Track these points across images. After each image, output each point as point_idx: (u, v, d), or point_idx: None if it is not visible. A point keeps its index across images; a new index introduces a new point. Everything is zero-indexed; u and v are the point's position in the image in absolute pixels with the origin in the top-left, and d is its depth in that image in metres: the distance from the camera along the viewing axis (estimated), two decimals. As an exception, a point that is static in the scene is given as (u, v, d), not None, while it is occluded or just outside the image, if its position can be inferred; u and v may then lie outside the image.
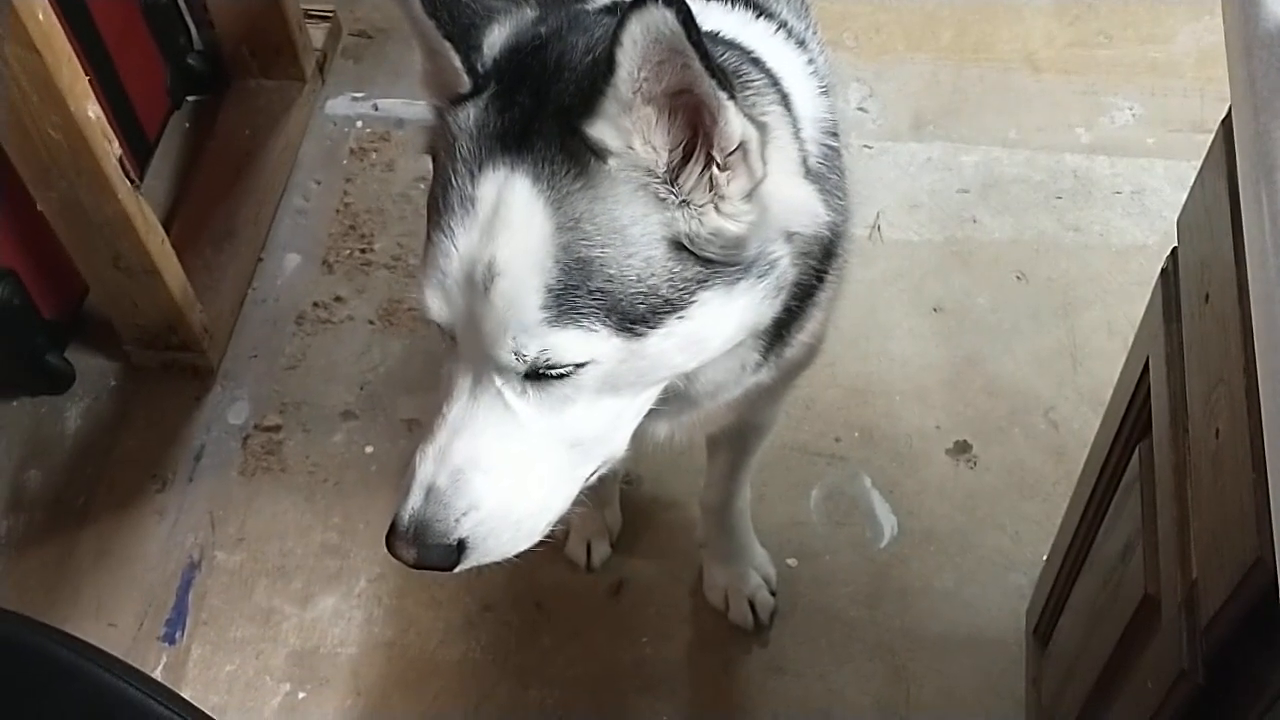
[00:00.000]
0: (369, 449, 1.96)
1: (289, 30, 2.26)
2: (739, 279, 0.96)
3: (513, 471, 0.98)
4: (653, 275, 0.92)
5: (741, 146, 0.91)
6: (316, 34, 2.35)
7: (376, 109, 2.33)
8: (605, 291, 0.91)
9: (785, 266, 1.00)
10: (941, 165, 2.23)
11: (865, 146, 2.24)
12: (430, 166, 1.04)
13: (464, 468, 0.97)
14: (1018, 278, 2.10)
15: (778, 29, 1.13)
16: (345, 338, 2.07)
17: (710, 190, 0.93)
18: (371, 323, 2.08)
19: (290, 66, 2.31)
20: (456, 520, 0.98)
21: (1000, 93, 2.32)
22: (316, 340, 2.07)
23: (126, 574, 1.85)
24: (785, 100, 1.03)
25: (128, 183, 1.72)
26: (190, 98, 2.33)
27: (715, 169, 0.92)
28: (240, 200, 2.17)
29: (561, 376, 0.95)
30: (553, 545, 1.80)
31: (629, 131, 0.90)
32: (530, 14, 1.01)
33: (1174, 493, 1.00)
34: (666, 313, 0.94)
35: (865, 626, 1.79)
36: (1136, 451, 1.15)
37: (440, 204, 0.94)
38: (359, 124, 2.32)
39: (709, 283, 0.95)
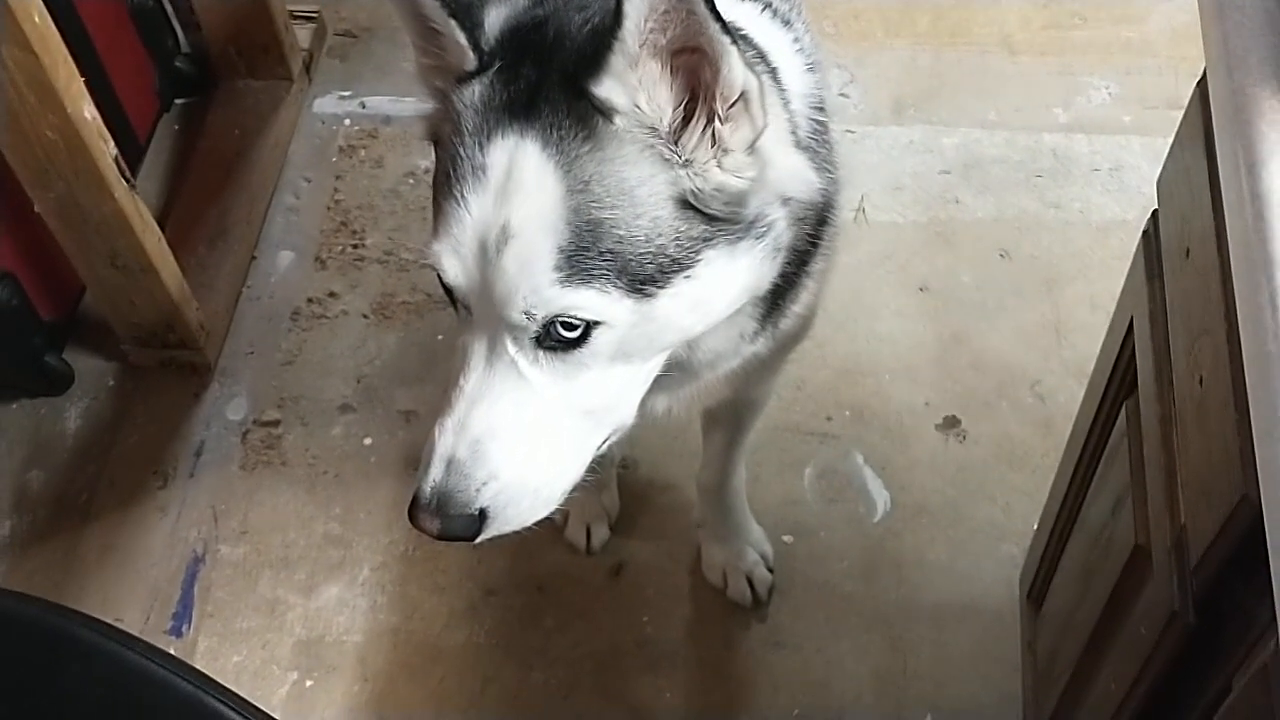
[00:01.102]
0: (367, 440, 1.99)
1: (275, 31, 2.28)
2: (740, 238, 1.00)
3: (529, 440, 1.01)
4: (660, 235, 0.95)
5: (743, 96, 0.95)
6: (302, 34, 2.38)
7: (364, 107, 2.35)
8: (615, 252, 0.94)
9: (782, 229, 1.03)
10: (923, 148, 2.27)
11: (848, 131, 2.27)
12: (431, 157, 1.07)
13: (482, 438, 1.00)
14: (1001, 256, 2.14)
15: (764, 9, 1.17)
16: (340, 332, 2.09)
17: (713, 146, 0.96)
18: (366, 317, 2.10)
19: (277, 67, 2.33)
20: (477, 490, 1.01)
21: (978, 76, 2.37)
22: (312, 335, 2.09)
23: (132, 569, 1.87)
24: (774, 74, 1.07)
25: (124, 182, 1.74)
26: (179, 99, 2.35)
27: (718, 123, 0.95)
28: (232, 199, 2.20)
29: (574, 344, 0.98)
30: (553, 529, 1.86)
31: (635, 88, 0.93)
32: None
33: (1161, 443, 1.03)
34: (674, 272, 0.97)
35: (861, 599, 1.83)
36: (1123, 410, 1.18)
37: (451, 176, 0.97)
38: (347, 122, 2.34)
39: (713, 241, 0.98)
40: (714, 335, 1.10)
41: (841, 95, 2.32)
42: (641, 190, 0.95)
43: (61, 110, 1.61)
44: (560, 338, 0.97)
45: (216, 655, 1.79)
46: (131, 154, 2.17)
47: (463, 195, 0.96)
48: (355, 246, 2.18)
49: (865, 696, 1.76)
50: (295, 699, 1.77)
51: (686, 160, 0.96)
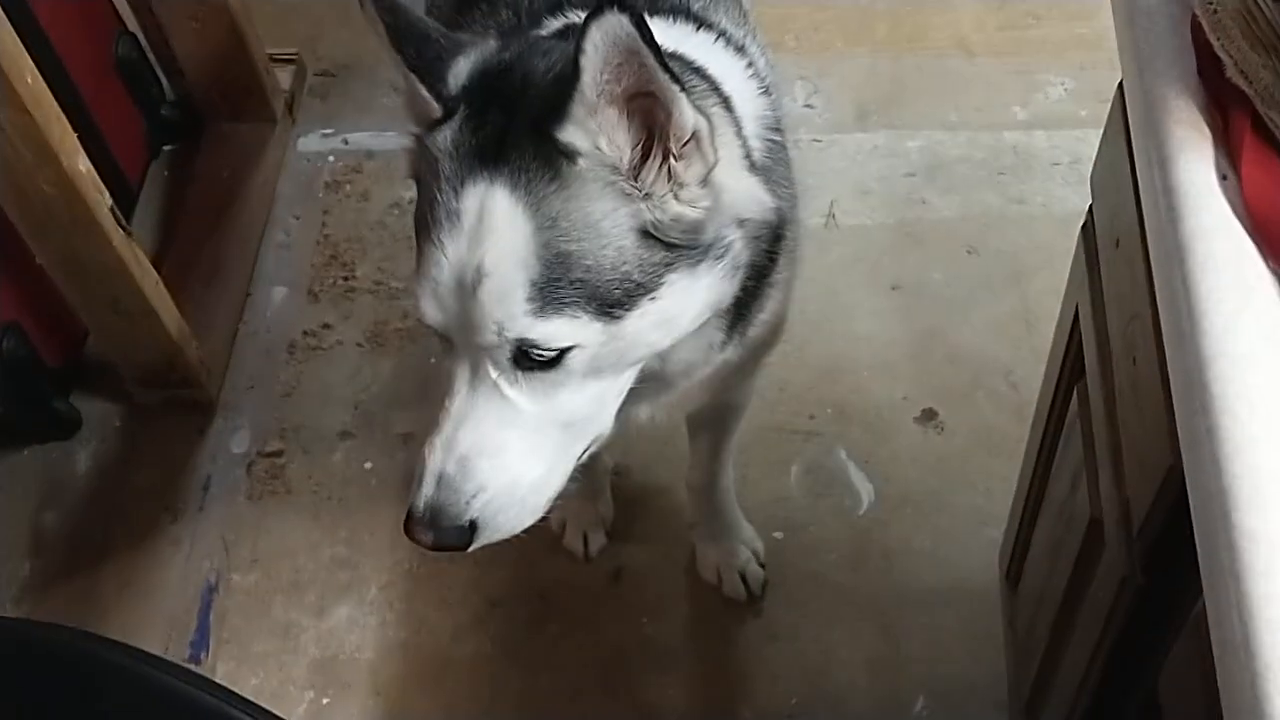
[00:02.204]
0: (368, 465, 2.06)
1: (256, 74, 2.35)
2: (700, 260, 1.07)
3: (513, 454, 1.08)
4: (625, 263, 1.03)
5: (694, 136, 1.02)
6: (283, 75, 2.45)
7: (346, 143, 2.42)
8: (584, 281, 1.01)
9: (739, 249, 1.10)
10: (888, 152, 2.34)
11: (814, 140, 2.35)
12: (414, 190, 1.13)
13: (469, 454, 1.07)
14: (969, 252, 2.21)
15: (717, 38, 1.24)
16: (336, 362, 2.16)
17: (669, 181, 1.03)
18: (360, 345, 2.17)
19: (260, 108, 2.40)
20: (467, 502, 1.08)
21: (938, 79, 2.44)
22: (309, 366, 2.16)
23: (148, 603, 1.94)
24: (726, 103, 1.14)
25: (121, 230, 1.81)
26: (167, 146, 2.42)
27: (672, 160, 1.02)
28: (224, 239, 2.27)
29: (550, 364, 1.05)
30: (551, 538, 1.92)
31: (595, 132, 1.00)
32: (493, 44, 1.11)
33: (1106, 421, 1.11)
34: (639, 295, 1.04)
35: (852, 589, 1.90)
36: (1075, 393, 1.25)
37: (429, 219, 1.04)
38: (331, 158, 2.41)
39: (675, 265, 1.05)
40: (683, 347, 1.17)
41: (806, 106, 2.40)
42: (605, 223, 1.02)
43: (57, 165, 1.67)
44: (536, 360, 1.04)
45: (235, 679, 1.85)
46: (125, 201, 2.24)
47: (439, 240, 1.03)
48: (346, 278, 2.25)
49: (860, 682, 1.82)
50: (313, 717, 1.84)
51: (646, 194, 1.03)
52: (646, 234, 1.04)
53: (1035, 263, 2.17)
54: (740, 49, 1.26)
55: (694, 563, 1.92)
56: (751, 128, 1.18)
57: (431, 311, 1.06)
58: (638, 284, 1.04)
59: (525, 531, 1.14)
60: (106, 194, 1.78)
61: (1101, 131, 1.17)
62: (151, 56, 2.36)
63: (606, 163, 1.02)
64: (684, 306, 1.08)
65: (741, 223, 1.10)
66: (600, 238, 1.02)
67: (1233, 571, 0.72)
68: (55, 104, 1.67)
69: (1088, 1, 2.50)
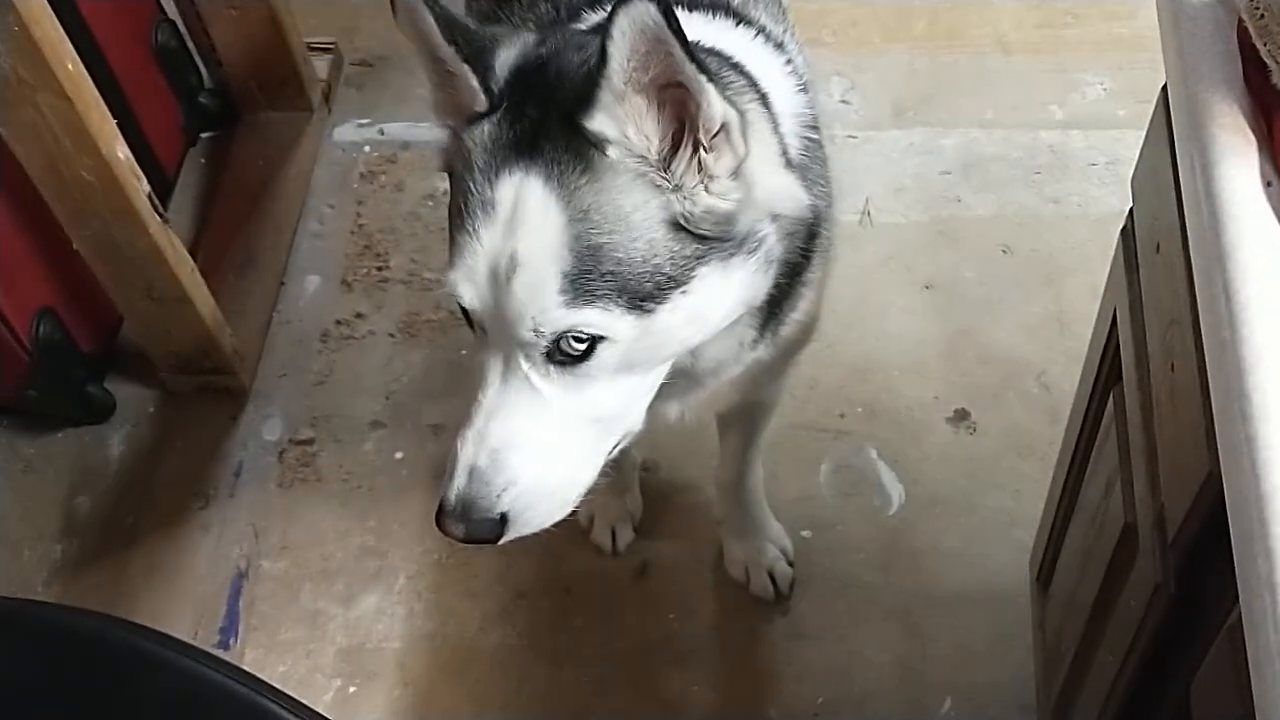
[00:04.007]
0: (398, 455, 2.06)
1: (294, 63, 2.36)
2: (732, 254, 1.07)
3: (544, 448, 1.08)
4: (656, 255, 1.03)
5: (724, 128, 1.02)
6: (320, 65, 2.46)
7: (382, 133, 2.43)
8: (615, 274, 1.01)
9: (773, 244, 1.10)
10: (923, 149, 2.33)
11: (850, 137, 2.34)
12: (447, 182, 1.14)
13: (500, 448, 1.07)
14: (1003, 251, 2.20)
15: (756, 34, 1.24)
16: (369, 352, 2.17)
17: (700, 173, 1.03)
18: (392, 336, 2.18)
19: (297, 98, 2.41)
20: (498, 496, 1.08)
21: (975, 77, 2.43)
22: (341, 356, 2.17)
23: (178, 587, 1.95)
24: (764, 99, 1.14)
25: (157, 218, 1.82)
26: (204, 134, 2.43)
27: (703, 152, 1.02)
28: (259, 228, 2.28)
29: (581, 358, 1.05)
30: (579, 532, 1.93)
31: (623, 120, 1.00)
32: (531, 37, 1.11)
33: (1143, 427, 1.10)
34: (671, 288, 1.04)
35: (879, 589, 1.89)
36: (1111, 397, 1.25)
37: (463, 210, 1.05)
38: (366, 149, 2.42)
39: (706, 258, 1.05)
40: (715, 344, 1.17)
41: (842, 102, 2.39)
42: (636, 215, 1.02)
43: (96, 152, 1.69)
44: (568, 353, 1.04)
45: (263, 666, 1.87)
46: (161, 189, 2.25)
47: (475, 229, 1.03)
48: (379, 269, 2.26)
49: (886, 683, 1.82)
50: (339, 705, 1.84)
51: (676, 185, 1.03)
52: (678, 226, 1.04)
53: (1070, 263, 2.16)
54: (779, 45, 1.26)
55: (721, 559, 1.92)
56: (789, 125, 1.17)
57: (469, 294, 1.06)
58: (669, 277, 1.04)
59: (554, 525, 1.14)
60: (144, 181, 1.79)
61: (1142, 134, 1.17)
62: (190, 45, 2.38)
63: (636, 153, 1.02)
64: (716, 301, 1.08)
65: (775, 218, 1.10)
66: (631, 230, 1.02)
67: (1270, 581, 0.71)
68: (95, 91, 1.68)
69: (1127, 1, 2.49)
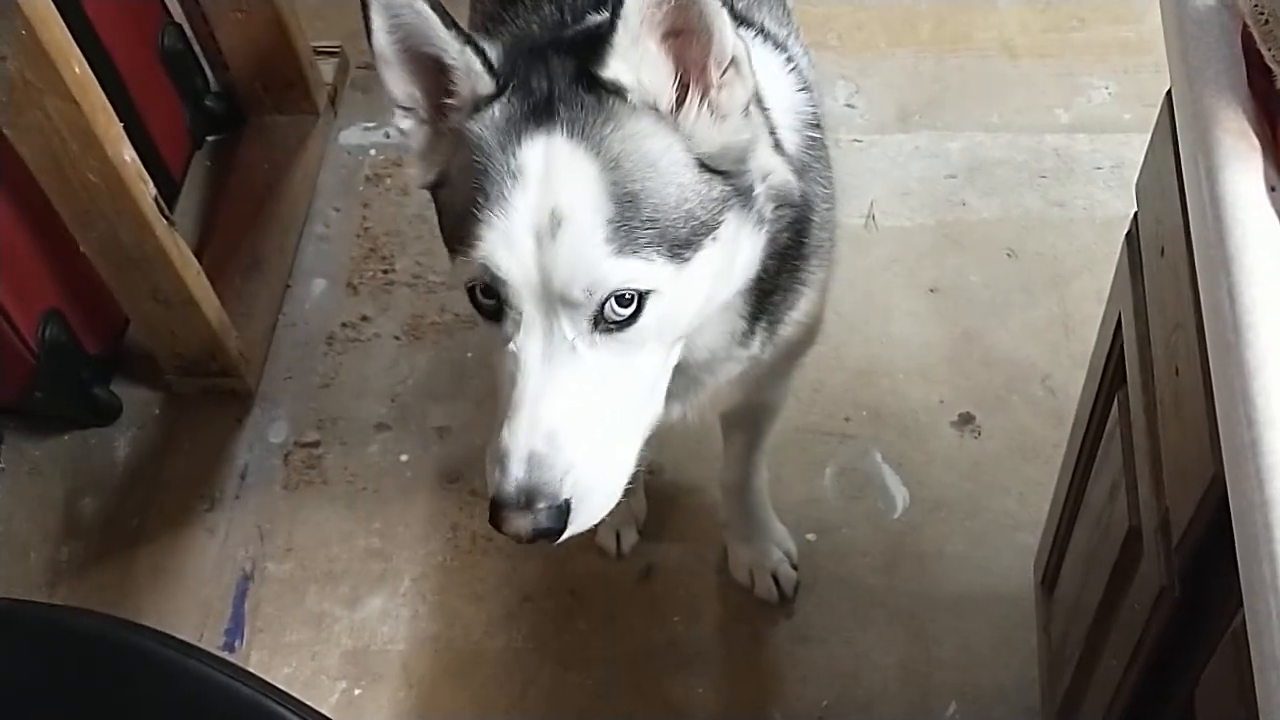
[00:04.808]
0: (403, 457, 2.07)
1: (300, 67, 2.37)
2: (745, 205, 1.08)
3: (598, 426, 1.04)
4: (688, 200, 1.04)
5: (734, 61, 1.03)
6: (326, 69, 2.46)
7: (388, 137, 2.43)
8: (654, 220, 1.01)
9: (763, 204, 1.12)
10: (929, 153, 2.33)
11: (855, 140, 2.34)
12: (437, 193, 1.12)
13: (556, 430, 1.02)
14: (1008, 255, 2.20)
15: (755, 34, 1.24)
16: (374, 354, 2.18)
17: (712, 115, 1.05)
18: (398, 338, 2.19)
19: (303, 101, 2.42)
20: (561, 480, 1.02)
21: (980, 80, 2.43)
22: (347, 358, 2.18)
23: (183, 589, 1.96)
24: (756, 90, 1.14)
25: (164, 220, 1.83)
26: (210, 137, 2.44)
27: (714, 93, 1.04)
28: (265, 231, 2.28)
29: (627, 322, 1.02)
30: (583, 536, 1.92)
31: (638, 64, 1.01)
32: (507, 38, 1.13)
33: (1147, 430, 1.10)
34: (703, 235, 1.05)
35: (884, 593, 1.89)
36: (1116, 400, 1.25)
37: (481, 193, 1.02)
38: (372, 152, 2.43)
39: (730, 204, 1.07)
40: (707, 332, 1.17)
41: (848, 106, 2.39)
42: (664, 160, 1.03)
43: (102, 155, 1.69)
44: (614, 318, 1.02)
45: (268, 668, 1.87)
46: (167, 191, 2.25)
47: (502, 196, 1.01)
48: (385, 271, 2.26)
49: (891, 686, 1.82)
50: (344, 707, 1.85)
51: (692, 127, 1.05)
52: (703, 168, 1.05)
53: (1075, 267, 2.16)
54: (779, 46, 1.27)
55: (725, 562, 1.92)
56: (788, 119, 1.19)
57: (506, 263, 1.01)
58: (701, 222, 1.04)
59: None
60: (150, 184, 1.80)
61: (1147, 137, 1.17)
62: (196, 48, 2.38)
63: (650, 99, 1.03)
64: (733, 255, 1.09)
65: (765, 177, 1.11)
66: (662, 175, 1.03)
67: (1274, 586, 0.71)
68: (101, 94, 1.69)
69: (1132, 5, 2.49)
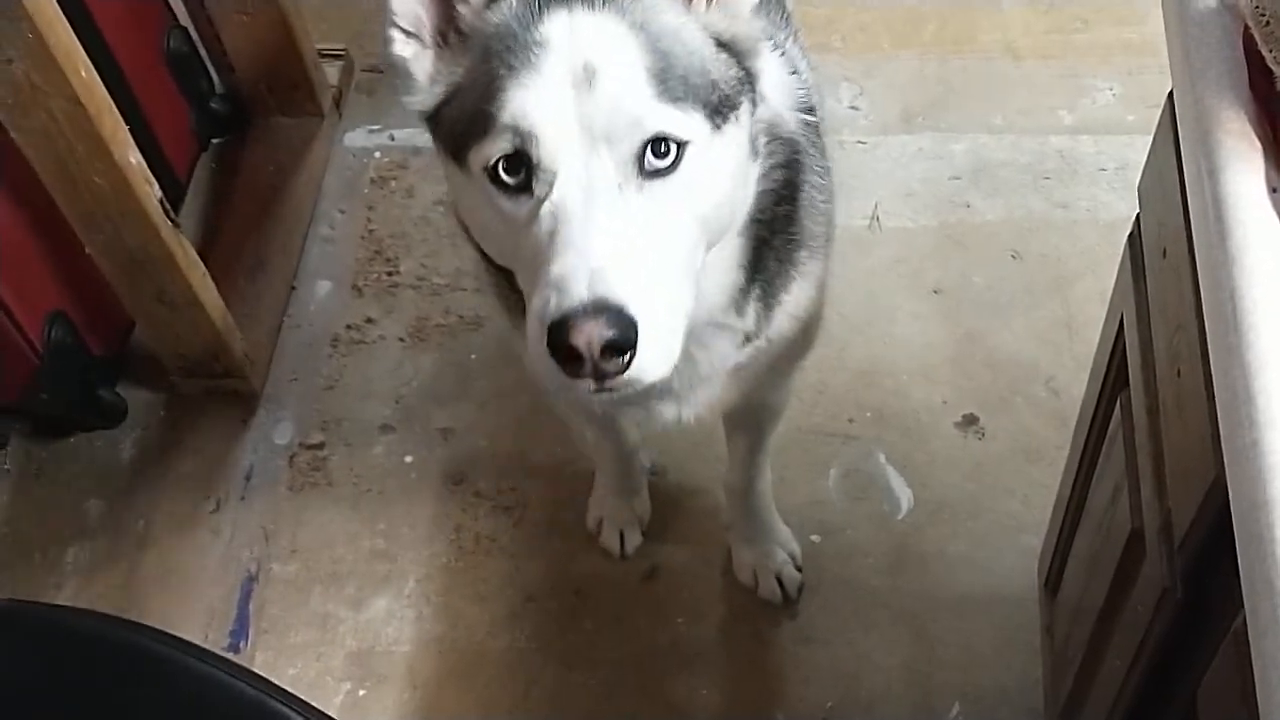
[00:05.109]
0: (408, 458, 2.07)
1: (305, 69, 2.37)
2: (755, 103, 1.10)
3: (648, 270, 0.99)
4: (710, 71, 1.05)
5: None
6: (331, 71, 2.47)
7: (393, 139, 2.44)
8: (686, 79, 1.03)
9: (758, 136, 1.14)
10: (932, 154, 2.34)
11: (859, 142, 2.35)
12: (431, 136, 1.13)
13: (615, 255, 0.97)
14: (1012, 256, 2.20)
15: None
16: (378, 356, 2.18)
17: (723, 11, 1.08)
18: (402, 340, 2.19)
19: (308, 104, 2.42)
20: (628, 290, 0.96)
21: (984, 82, 2.43)
22: (351, 360, 2.18)
23: (189, 590, 1.96)
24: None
25: (169, 222, 1.83)
26: (215, 139, 2.44)
27: None
28: (270, 233, 2.29)
29: (668, 170, 1.01)
30: (587, 536, 1.94)
31: None
32: None
33: (1149, 432, 1.10)
34: (728, 110, 1.06)
35: (888, 594, 1.89)
36: (1118, 402, 1.25)
37: (503, 68, 1.01)
38: (377, 154, 2.43)
39: (744, 92, 1.08)
40: (710, 277, 1.14)
41: (851, 107, 2.40)
42: (684, 33, 1.05)
43: (108, 158, 1.70)
44: (654, 165, 1.01)
45: (273, 669, 1.87)
46: (173, 193, 2.25)
47: (529, 63, 1.00)
48: (390, 274, 2.26)
49: (895, 687, 1.82)
50: (349, 708, 1.85)
51: (704, 19, 1.07)
52: (720, 45, 1.07)
53: (1079, 269, 2.16)
54: (777, 48, 1.27)
55: (729, 564, 1.92)
56: (780, 97, 1.20)
57: (541, 114, 0.99)
58: (725, 95, 1.06)
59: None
60: (155, 186, 1.80)
61: (1150, 139, 1.17)
62: (201, 50, 2.39)
63: None
64: (745, 168, 1.10)
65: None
66: (684, 44, 1.04)
67: (1274, 587, 0.71)
68: (107, 97, 1.69)
69: (1136, 6, 2.49)
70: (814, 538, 1.94)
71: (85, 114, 1.64)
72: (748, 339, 1.29)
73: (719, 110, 1.05)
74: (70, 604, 1.95)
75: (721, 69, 1.07)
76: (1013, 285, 2.16)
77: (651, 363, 0.99)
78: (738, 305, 1.24)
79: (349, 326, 2.21)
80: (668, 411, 1.30)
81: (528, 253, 1.02)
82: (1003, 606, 1.84)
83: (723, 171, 1.07)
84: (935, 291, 2.17)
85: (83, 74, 1.62)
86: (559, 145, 0.99)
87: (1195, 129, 0.92)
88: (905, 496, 1.98)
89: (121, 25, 2.12)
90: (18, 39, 1.53)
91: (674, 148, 1.01)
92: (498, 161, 1.02)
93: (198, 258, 1.94)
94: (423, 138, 2.35)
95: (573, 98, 0.99)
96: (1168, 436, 1.05)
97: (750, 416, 1.65)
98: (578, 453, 2.01)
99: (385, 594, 1.94)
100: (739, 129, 1.08)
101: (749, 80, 1.10)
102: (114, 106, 1.70)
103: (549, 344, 0.96)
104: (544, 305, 0.96)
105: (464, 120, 1.05)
